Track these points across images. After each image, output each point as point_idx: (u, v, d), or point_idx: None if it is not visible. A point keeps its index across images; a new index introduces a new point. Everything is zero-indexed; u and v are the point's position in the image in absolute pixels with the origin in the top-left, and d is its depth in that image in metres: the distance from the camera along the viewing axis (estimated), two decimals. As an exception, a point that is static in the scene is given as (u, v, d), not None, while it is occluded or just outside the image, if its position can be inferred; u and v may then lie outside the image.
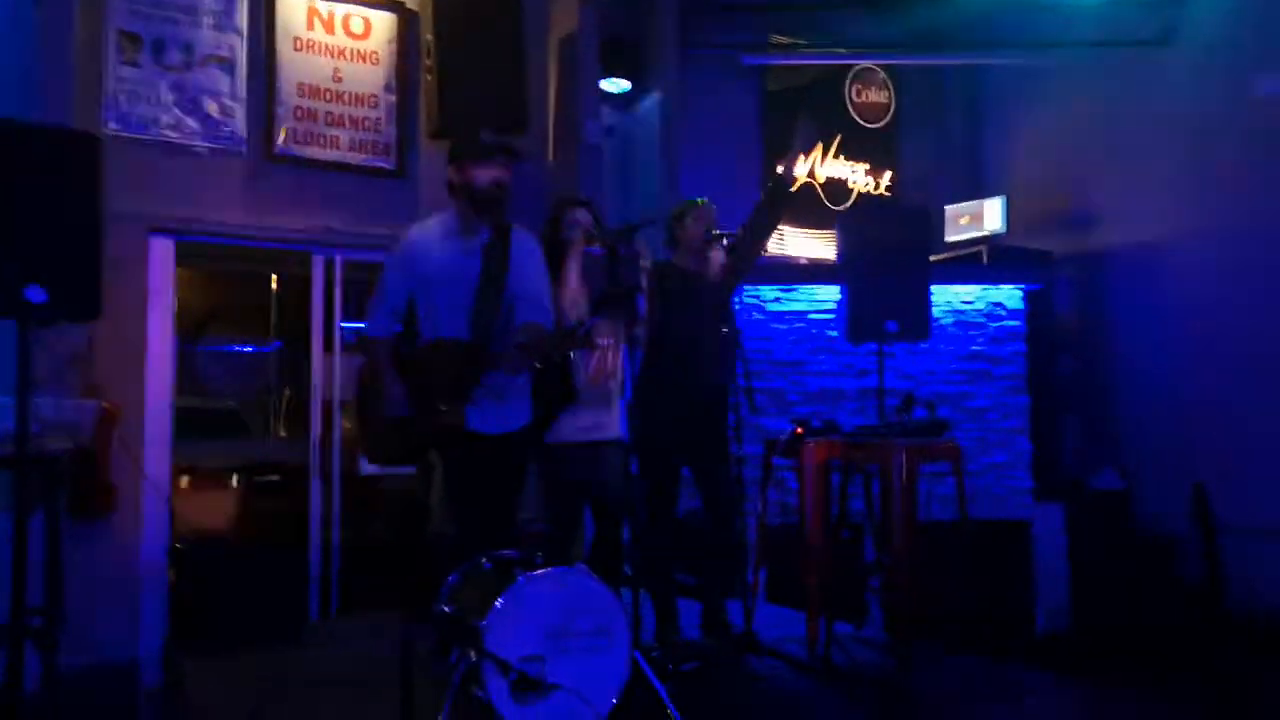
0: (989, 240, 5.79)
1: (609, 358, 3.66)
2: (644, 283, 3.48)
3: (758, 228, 3.98)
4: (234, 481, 5.20)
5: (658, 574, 3.77)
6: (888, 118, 6.93)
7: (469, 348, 3.08)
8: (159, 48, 4.38)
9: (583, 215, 3.58)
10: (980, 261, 5.65)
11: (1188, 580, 4.94)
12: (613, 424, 3.65)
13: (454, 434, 3.10)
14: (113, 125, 4.23)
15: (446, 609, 2.78)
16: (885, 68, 6.87)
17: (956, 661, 3.67)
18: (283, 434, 6.69)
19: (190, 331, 6.47)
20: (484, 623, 2.52)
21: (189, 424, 5.97)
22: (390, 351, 3.24)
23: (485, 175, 3.15)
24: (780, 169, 4.04)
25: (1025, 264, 5.60)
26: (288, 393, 6.71)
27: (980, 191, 6.48)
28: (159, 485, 4.26)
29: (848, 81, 6.79)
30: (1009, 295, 5.27)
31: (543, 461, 3.58)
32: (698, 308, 3.74)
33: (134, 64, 4.31)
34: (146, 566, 4.19)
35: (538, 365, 2.96)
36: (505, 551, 2.94)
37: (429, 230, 3.30)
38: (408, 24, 4.95)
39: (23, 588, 3.05)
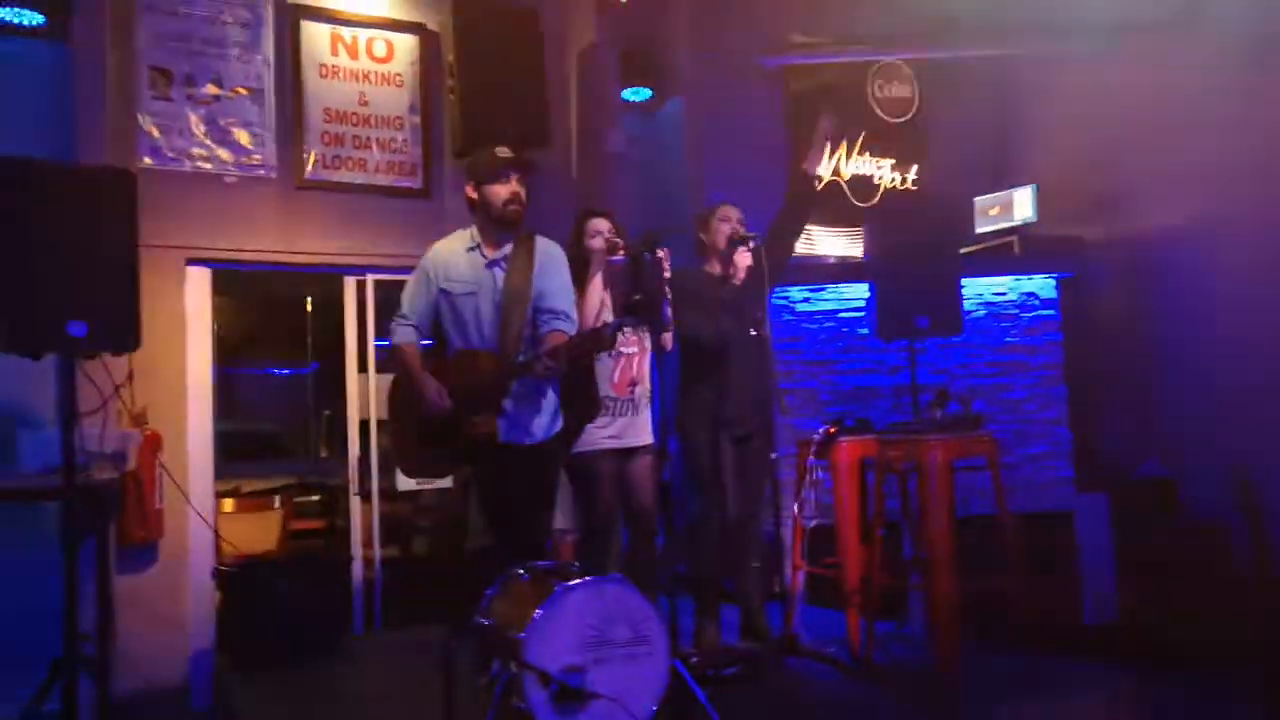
0: (1020, 230, 5.71)
1: (635, 365, 3.67)
2: (669, 290, 3.49)
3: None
4: (276, 502, 5.28)
5: (701, 577, 3.77)
6: (912, 111, 6.86)
7: (496, 357, 3.12)
8: (189, 81, 4.48)
9: (603, 224, 3.61)
10: (1012, 252, 5.58)
11: (1238, 568, 4.83)
12: (642, 431, 3.66)
13: (487, 445, 3.13)
14: (146, 159, 4.34)
15: (485, 621, 2.81)
16: (908, 61, 6.82)
17: (1001, 656, 3.63)
18: (323, 454, 6.79)
19: (229, 356, 6.60)
20: (523, 635, 2.54)
21: (231, 447, 6.11)
22: (418, 355, 3.28)
23: (501, 191, 3.19)
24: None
25: (1058, 252, 5.52)
26: (327, 413, 6.82)
27: (1009, 181, 6.39)
28: (203, 509, 4.35)
29: (870, 77, 6.75)
30: (1042, 285, 5.21)
31: (574, 471, 3.61)
32: (726, 312, 3.74)
33: (165, 98, 4.42)
34: (194, 590, 4.27)
35: (565, 370, 2.98)
36: (541, 562, 2.97)
37: (453, 244, 3.34)
38: (430, 45, 5.03)
39: (74, 616, 3.13)
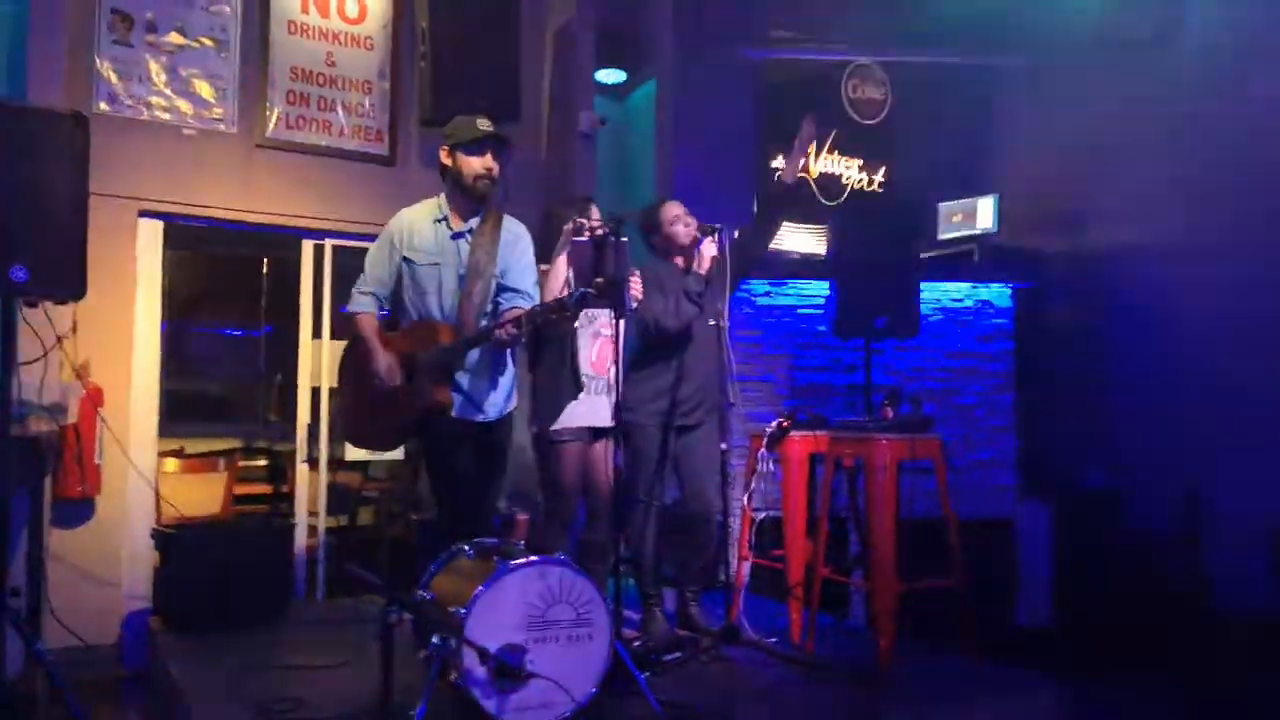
0: (981, 238, 5.79)
1: (613, 346, 3.66)
2: (632, 274, 3.48)
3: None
4: (221, 465, 5.19)
5: (643, 563, 3.78)
6: (884, 114, 6.92)
7: (454, 329, 3.09)
8: (151, 27, 4.36)
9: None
10: (971, 259, 5.66)
11: (1175, 580, 4.97)
12: (606, 413, 3.66)
13: (439, 418, 3.10)
14: (103, 104, 4.22)
15: (427, 595, 2.79)
16: (883, 64, 6.86)
17: (937, 656, 3.69)
18: (272, 418, 6.68)
19: (180, 313, 6.46)
20: (464, 610, 2.53)
21: (177, 406, 5.98)
22: (375, 327, 3.25)
23: (477, 163, 3.17)
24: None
25: (1015, 262, 5.61)
26: (278, 377, 6.70)
27: (974, 189, 6.48)
28: (145, 468, 4.26)
29: (845, 77, 6.78)
30: (998, 294, 5.29)
31: (543, 450, 3.58)
32: (689, 301, 3.74)
33: (125, 43, 4.29)
34: (131, 549, 4.19)
35: (522, 337, 2.97)
36: (487, 540, 2.95)
37: (419, 213, 3.31)
38: (403, 9, 4.94)
39: (4, 569, 3.05)
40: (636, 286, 3.50)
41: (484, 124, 3.21)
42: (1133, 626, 4.73)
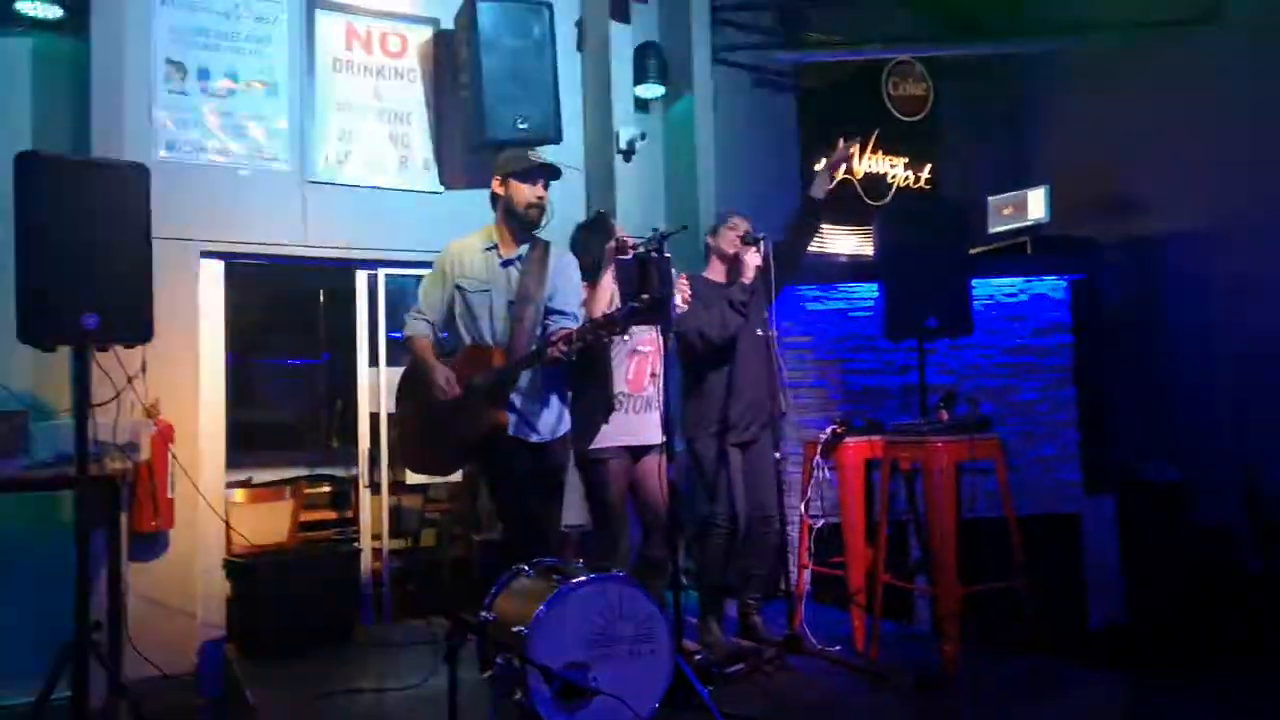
0: (1033, 230, 5.70)
1: (651, 362, 3.70)
2: (676, 290, 3.50)
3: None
4: (287, 493, 5.31)
5: (706, 578, 3.79)
6: (926, 110, 6.85)
7: (505, 353, 3.16)
8: (204, 74, 4.51)
9: (612, 226, 3.63)
10: (1024, 252, 5.58)
11: (1246, 572, 4.82)
12: (654, 429, 3.68)
13: (496, 438, 3.16)
14: (162, 152, 4.37)
15: (489, 617, 2.84)
16: (923, 60, 6.80)
17: (1006, 660, 3.63)
18: (334, 445, 6.82)
19: (242, 347, 6.64)
20: (526, 630, 2.57)
21: (244, 438, 6.15)
22: (430, 348, 3.33)
23: (529, 192, 3.26)
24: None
25: (1070, 253, 5.50)
26: (339, 404, 6.84)
27: (1024, 181, 6.38)
28: (214, 500, 4.39)
29: (884, 75, 6.73)
30: (1053, 286, 5.19)
31: (585, 467, 3.63)
32: (734, 312, 3.75)
33: (180, 92, 4.45)
34: (204, 579, 4.32)
35: (574, 357, 3.01)
36: (547, 559, 2.99)
37: (468, 243, 3.39)
38: (443, 40, 5.04)
39: (86, 604, 3.17)
40: (685, 290, 3.52)
41: (536, 155, 3.34)
42: (1207, 619, 4.60)
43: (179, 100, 4.44)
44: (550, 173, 3.33)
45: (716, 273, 3.95)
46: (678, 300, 3.46)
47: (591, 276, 3.47)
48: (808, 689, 3.28)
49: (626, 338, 3.61)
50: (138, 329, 3.30)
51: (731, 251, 3.83)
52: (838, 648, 3.68)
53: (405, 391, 3.50)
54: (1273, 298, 5.09)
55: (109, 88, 4.20)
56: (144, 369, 4.05)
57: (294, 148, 4.67)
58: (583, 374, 3.43)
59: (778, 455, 3.65)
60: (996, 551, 3.65)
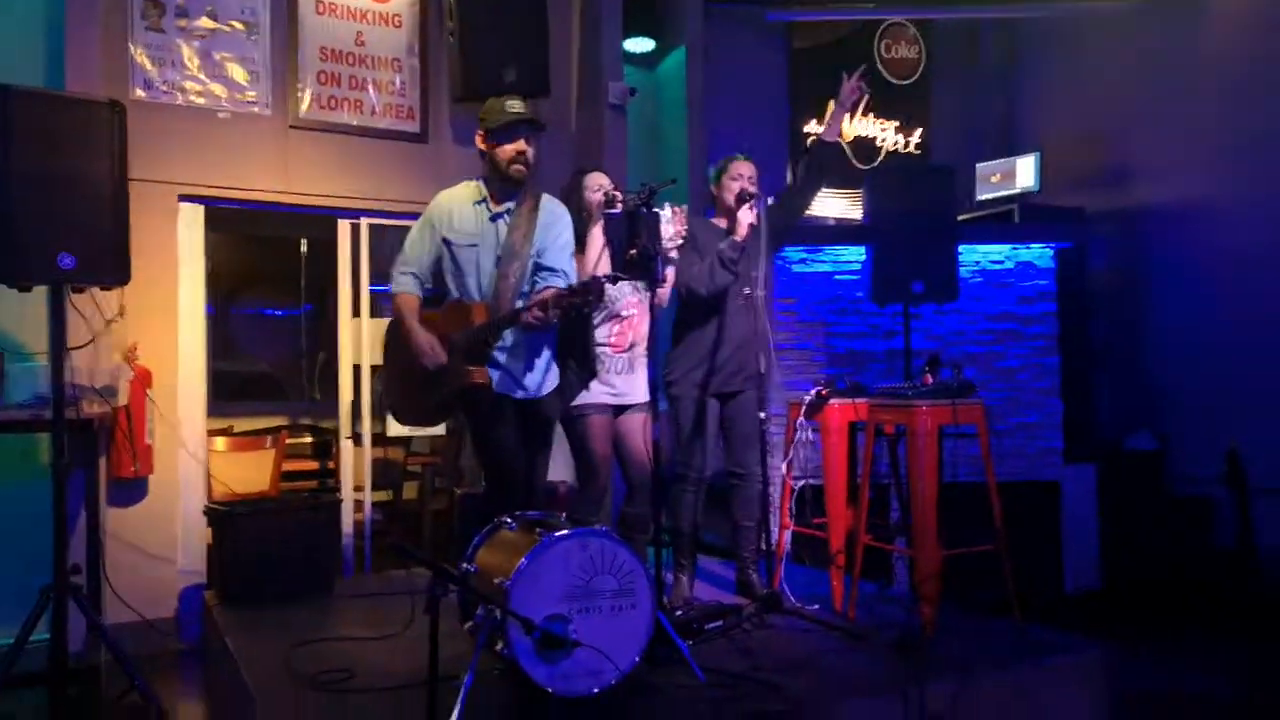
0: (1021, 198, 5.69)
1: (634, 326, 3.67)
2: (664, 245, 3.47)
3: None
4: (269, 443, 5.29)
5: (677, 531, 3.81)
6: (918, 74, 6.81)
7: (489, 309, 3.11)
8: (182, 12, 4.39)
9: (602, 179, 3.58)
10: (1011, 220, 5.57)
11: (1221, 542, 4.90)
12: (639, 389, 3.67)
13: (478, 394, 3.13)
14: (139, 91, 4.27)
15: (472, 569, 2.83)
16: (915, 22, 6.73)
17: (983, 622, 3.67)
18: (316, 396, 6.79)
19: (222, 294, 6.56)
20: (508, 582, 2.56)
21: (224, 386, 6.10)
22: (415, 307, 3.28)
23: (509, 149, 3.18)
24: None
25: (1056, 222, 5.50)
26: (321, 355, 6.80)
27: (1013, 148, 6.36)
28: (194, 447, 4.35)
29: (877, 37, 6.66)
30: (1039, 254, 5.19)
31: (569, 424, 3.62)
32: (722, 269, 3.72)
33: (158, 29, 4.33)
34: (185, 526, 4.30)
35: (554, 321, 2.96)
36: (530, 512, 2.99)
37: (458, 195, 3.32)
38: (430, -14, 4.93)
39: (64, 547, 3.15)
40: (680, 221, 3.48)
41: (514, 105, 3.19)
42: (1180, 588, 4.68)
43: (157, 38, 4.32)
44: (530, 126, 3.22)
45: (720, 220, 3.90)
46: (671, 231, 3.41)
47: (579, 237, 3.42)
48: (786, 647, 3.30)
49: (608, 304, 3.58)
50: (115, 270, 3.24)
51: (730, 201, 3.77)
52: (816, 607, 3.71)
53: (390, 343, 3.46)
54: (1258, 271, 5.12)
55: (84, 22, 4.09)
56: (122, 313, 4.00)
57: (276, 91, 4.57)
58: (565, 336, 3.39)
59: (762, 415, 3.65)
60: (976, 516, 3.67)
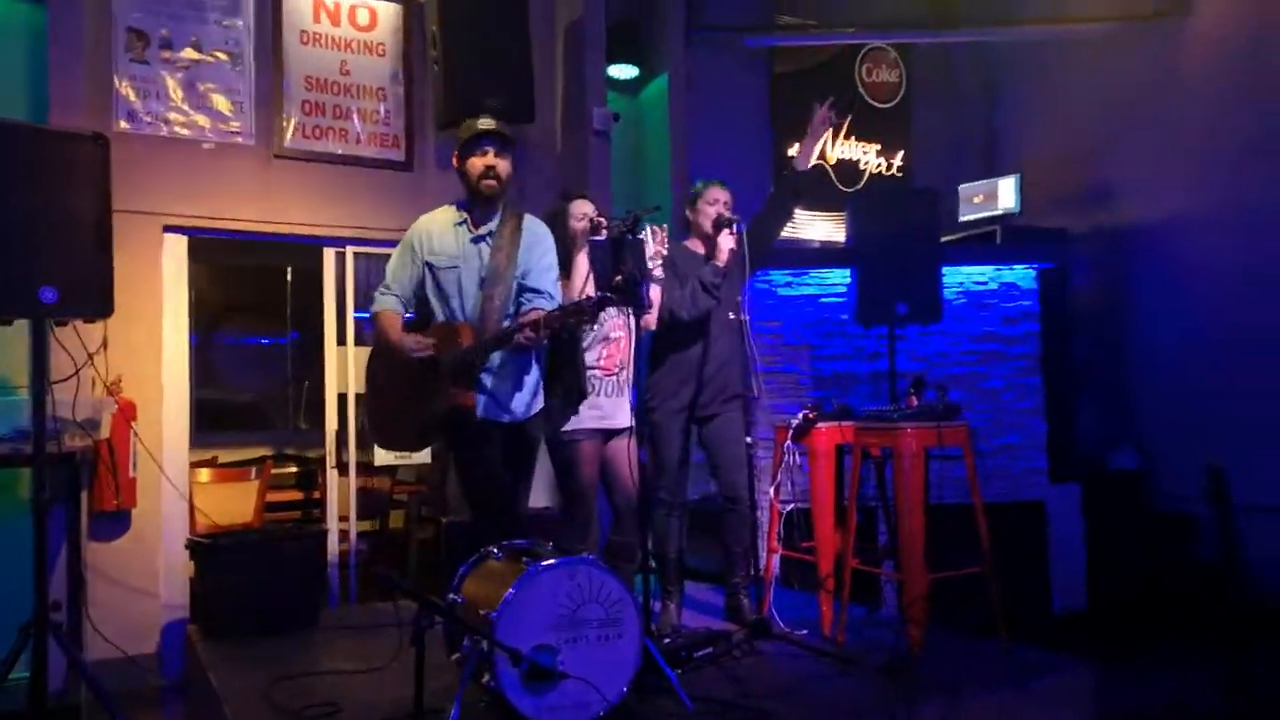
0: (1003, 219, 5.74)
1: (622, 348, 3.68)
2: (650, 270, 3.48)
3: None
4: (253, 473, 5.25)
5: (662, 557, 3.80)
6: (899, 97, 6.87)
7: (475, 331, 3.11)
8: (166, 44, 4.40)
9: (586, 206, 3.59)
10: (994, 241, 5.61)
11: (1206, 560, 4.91)
12: (623, 414, 3.67)
13: (465, 419, 3.12)
14: (123, 123, 4.27)
15: (458, 599, 2.82)
16: (896, 46, 6.80)
17: (971, 644, 3.68)
18: (302, 425, 6.75)
19: (207, 324, 6.54)
20: (495, 613, 2.55)
21: (208, 416, 6.06)
22: (398, 322, 3.27)
23: (479, 163, 3.17)
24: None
25: (1039, 243, 5.54)
26: (305, 384, 6.77)
27: (995, 170, 6.42)
28: (178, 479, 4.32)
29: (858, 61, 6.73)
30: (1022, 275, 5.22)
31: (555, 450, 3.61)
32: (704, 293, 3.74)
33: (142, 60, 4.34)
34: (167, 560, 4.26)
35: (543, 342, 2.96)
36: (516, 541, 2.97)
37: (438, 218, 3.33)
38: (413, 14, 4.96)
39: (44, 583, 3.11)
40: (661, 241, 3.50)
41: (484, 122, 3.21)
42: (1167, 608, 4.68)
43: (141, 70, 4.33)
44: (498, 138, 3.19)
45: (695, 245, 3.93)
46: (652, 250, 3.43)
47: (563, 264, 3.42)
48: (775, 673, 3.29)
49: (597, 326, 3.58)
50: (98, 304, 3.22)
51: (707, 227, 3.80)
52: (805, 632, 3.70)
53: (373, 366, 3.45)
54: (1239, 288, 5.17)
55: (67, 55, 4.09)
56: (105, 345, 3.96)
57: (260, 121, 4.58)
58: (555, 359, 3.40)
59: (749, 440, 3.66)
60: (963, 538, 3.68)
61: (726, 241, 3.71)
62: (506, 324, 3.15)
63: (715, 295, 3.68)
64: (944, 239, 5.12)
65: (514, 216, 3.26)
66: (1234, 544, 4.48)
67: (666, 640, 3.37)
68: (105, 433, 3.94)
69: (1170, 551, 5.03)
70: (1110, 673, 3.59)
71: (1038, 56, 6.49)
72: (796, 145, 6.39)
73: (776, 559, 4.07)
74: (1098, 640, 4.39)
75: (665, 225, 3.59)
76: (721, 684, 3.10)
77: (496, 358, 3.16)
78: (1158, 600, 4.74)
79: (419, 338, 3.14)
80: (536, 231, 3.29)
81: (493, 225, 3.24)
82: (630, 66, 5.60)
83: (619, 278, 3.04)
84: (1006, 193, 5.81)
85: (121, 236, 3.52)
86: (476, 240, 3.23)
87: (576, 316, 2.84)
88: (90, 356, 3.81)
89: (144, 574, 4.17)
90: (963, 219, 5.97)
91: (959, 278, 5.15)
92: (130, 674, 3.91)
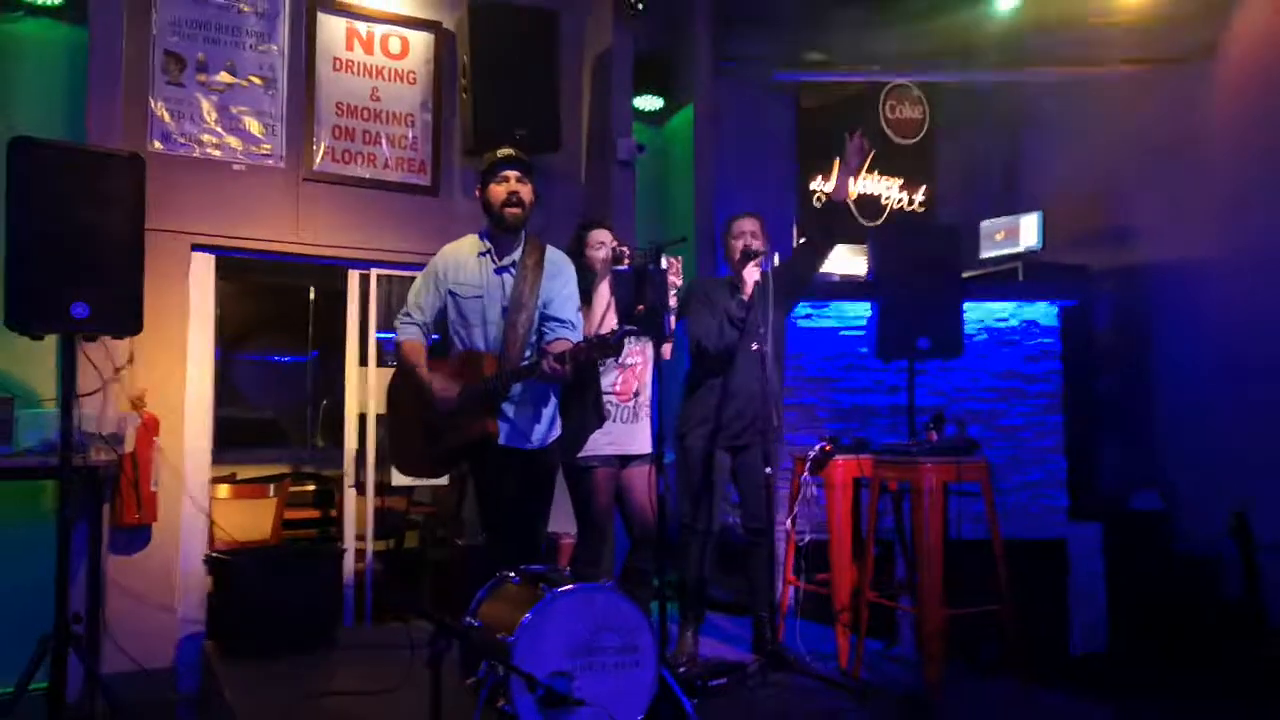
0: (1025, 256, 5.74)
1: (638, 374, 3.70)
2: (672, 301, 3.50)
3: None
4: (271, 490, 5.28)
5: (684, 586, 3.79)
6: (922, 133, 6.91)
7: (498, 360, 3.13)
8: (202, 68, 4.49)
9: (605, 235, 3.62)
10: (1015, 278, 5.61)
11: (1229, 600, 4.85)
12: (641, 440, 3.68)
13: (484, 446, 3.14)
14: (157, 144, 4.35)
15: (475, 623, 2.82)
16: (920, 84, 6.85)
17: (988, 683, 3.64)
18: (320, 443, 6.79)
19: (230, 341, 6.60)
20: (511, 638, 2.55)
21: (228, 433, 6.11)
22: (422, 352, 3.29)
23: (499, 191, 3.21)
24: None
25: (1061, 280, 5.54)
26: (325, 403, 6.82)
27: (1017, 207, 6.42)
28: (198, 495, 4.35)
29: (882, 98, 6.78)
30: (1044, 312, 5.22)
31: (571, 476, 3.62)
32: (733, 324, 3.77)
33: (178, 84, 4.43)
34: (186, 575, 4.28)
35: (567, 373, 2.97)
36: (533, 566, 2.98)
37: (462, 247, 3.36)
38: (444, 43, 5.04)
39: (65, 595, 3.14)
40: (674, 272, 3.53)
41: (503, 151, 3.26)
42: (1189, 650, 4.62)
43: (176, 92, 4.42)
44: (519, 164, 3.22)
45: (733, 276, 3.94)
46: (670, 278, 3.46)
47: (583, 292, 3.45)
48: (790, 705, 3.27)
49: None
50: (127, 320, 3.27)
51: (736, 258, 3.83)
52: (821, 665, 3.67)
53: (395, 394, 3.48)
54: (1262, 329, 5.13)
55: (106, 77, 4.18)
56: (131, 360, 4.02)
57: (290, 144, 4.65)
58: (572, 384, 3.41)
59: (768, 470, 3.65)
60: (981, 574, 3.66)
61: (751, 274, 3.73)
62: (529, 353, 3.17)
63: (739, 328, 3.70)
64: (965, 275, 5.13)
65: (536, 247, 3.30)
66: (1258, 584, 4.43)
67: (682, 669, 3.36)
68: (129, 446, 3.98)
69: (1193, 592, 4.96)
70: (1131, 716, 3.54)
71: (1062, 95, 6.52)
72: (820, 178, 6.47)
73: (793, 590, 4.05)
74: (1117, 682, 4.33)
75: (680, 257, 3.62)
76: (737, 715, 3.08)
77: (518, 387, 3.18)
78: (1180, 641, 4.67)
79: (445, 383, 3.15)
80: (558, 262, 3.33)
81: (516, 255, 3.27)
82: (656, 97, 5.66)
83: (641, 307, 3.06)
84: (1029, 230, 5.82)
85: (150, 253, 3.57)
86: (500, 270, 3.27)
87: (602, 350, 2.86)
88: (117, 371, 3.87)
89: (162, 588, 4.19)
90: (984, 255, 5.97)
91: (980, 314, 5.15)
92: (146, 687, 3.92)
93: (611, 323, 3.46)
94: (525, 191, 3.22)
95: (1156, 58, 5.75)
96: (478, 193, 3.30)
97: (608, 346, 2.83)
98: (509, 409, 3.19)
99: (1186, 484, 5.42)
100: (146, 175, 3.38)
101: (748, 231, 3.83)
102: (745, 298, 3.70)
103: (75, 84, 4.22)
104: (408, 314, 3.36)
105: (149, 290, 3.43)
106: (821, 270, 5.80)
